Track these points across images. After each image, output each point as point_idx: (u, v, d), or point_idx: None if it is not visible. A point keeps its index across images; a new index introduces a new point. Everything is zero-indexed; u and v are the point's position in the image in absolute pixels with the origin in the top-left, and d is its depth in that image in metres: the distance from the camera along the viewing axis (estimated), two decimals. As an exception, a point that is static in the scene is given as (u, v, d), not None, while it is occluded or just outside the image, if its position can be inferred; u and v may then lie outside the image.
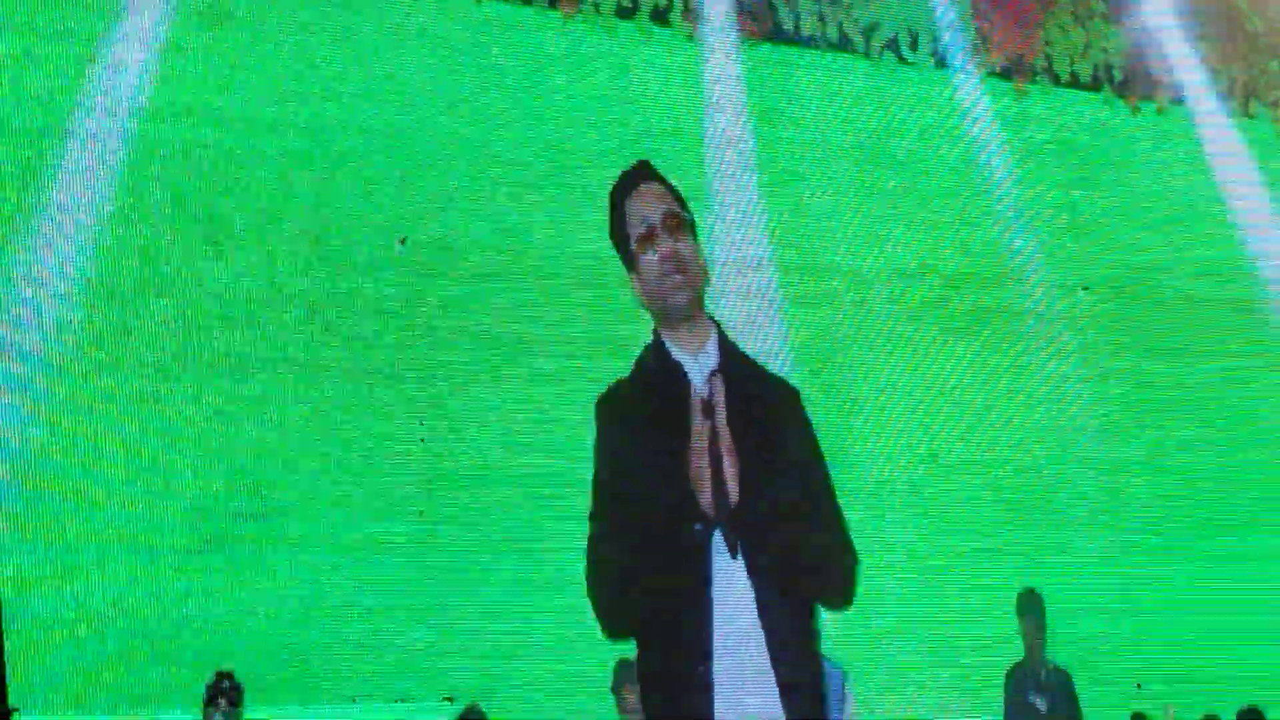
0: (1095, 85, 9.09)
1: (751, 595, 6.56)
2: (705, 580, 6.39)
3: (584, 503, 7.71)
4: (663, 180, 6.62)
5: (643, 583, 6.42)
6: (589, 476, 6.26)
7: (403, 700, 7.59)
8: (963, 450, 8.85)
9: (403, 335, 8.04)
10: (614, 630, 6.68)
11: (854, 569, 7.08)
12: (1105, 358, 9.25)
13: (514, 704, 7.67)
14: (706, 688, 6.23)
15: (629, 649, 7.06)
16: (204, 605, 7.34)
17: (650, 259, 5.93)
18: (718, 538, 6.32)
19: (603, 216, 7.08)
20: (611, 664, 7.70)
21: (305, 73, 7.99)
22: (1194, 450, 9.38)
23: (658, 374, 6.34)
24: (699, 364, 6.21)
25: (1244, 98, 9.47)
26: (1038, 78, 8.93)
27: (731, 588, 6.42)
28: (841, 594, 6.94)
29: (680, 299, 5.85)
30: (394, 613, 7.66)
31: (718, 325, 6.34)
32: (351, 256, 8.00)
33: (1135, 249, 9.30)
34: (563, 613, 7.73)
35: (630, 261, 5.78)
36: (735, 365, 6.43)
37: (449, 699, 7.58)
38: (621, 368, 6.07)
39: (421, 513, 7.89)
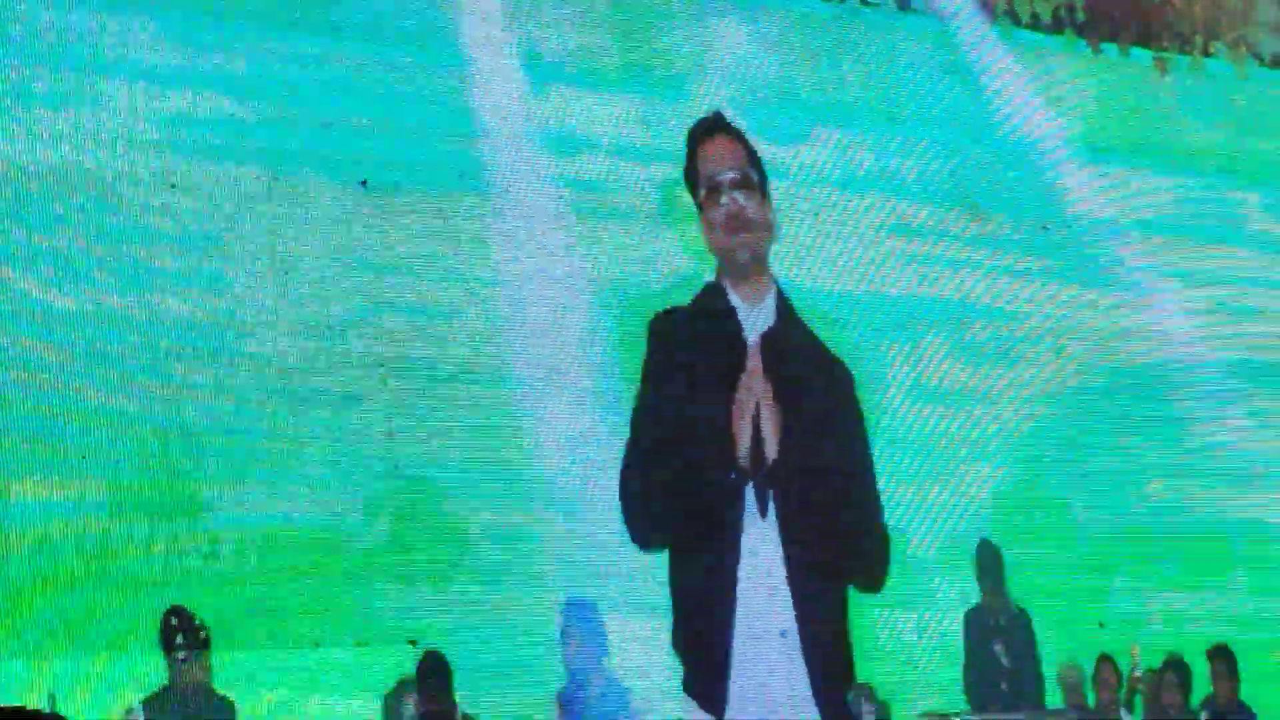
0: (1058, 27, 9.09)
1: (780, 552, 6.62)
2: (735, 529, 6.46)
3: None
4: (737, 134, 6.66)
5: (674, 510, 6.48)
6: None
7: (363, 644, 7.59)
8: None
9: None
10: (642, 545, 6.74)
11: (886, 555, 7.09)
12: (1061, 294, 9.29)
13: (476, 650, 7.67)
14: (725, 641, 6.30)
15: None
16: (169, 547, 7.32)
17: (716, 214, 6.02)
18: (749, 493, 6.40)
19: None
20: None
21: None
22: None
23: (713, 315, 6.41)
24: (755, 316, 6.28)
25: (1205, 38, 9.45)
26: (999, 20, 8.96)
27: (761, 542, 6.48)
28: (872, 576, 6.96)
29: (742, 256, 5.91)
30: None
31: (778, 286, 6.39)
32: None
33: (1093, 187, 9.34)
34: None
35: (699, 207, 5.86)
36: (792, 330, 6.50)
37: (412, 642, 7.57)
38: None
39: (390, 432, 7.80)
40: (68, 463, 7.16)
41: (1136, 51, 9.42)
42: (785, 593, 6.62)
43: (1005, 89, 9.18)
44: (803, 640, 6.69)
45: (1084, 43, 9.19)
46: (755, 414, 6.43)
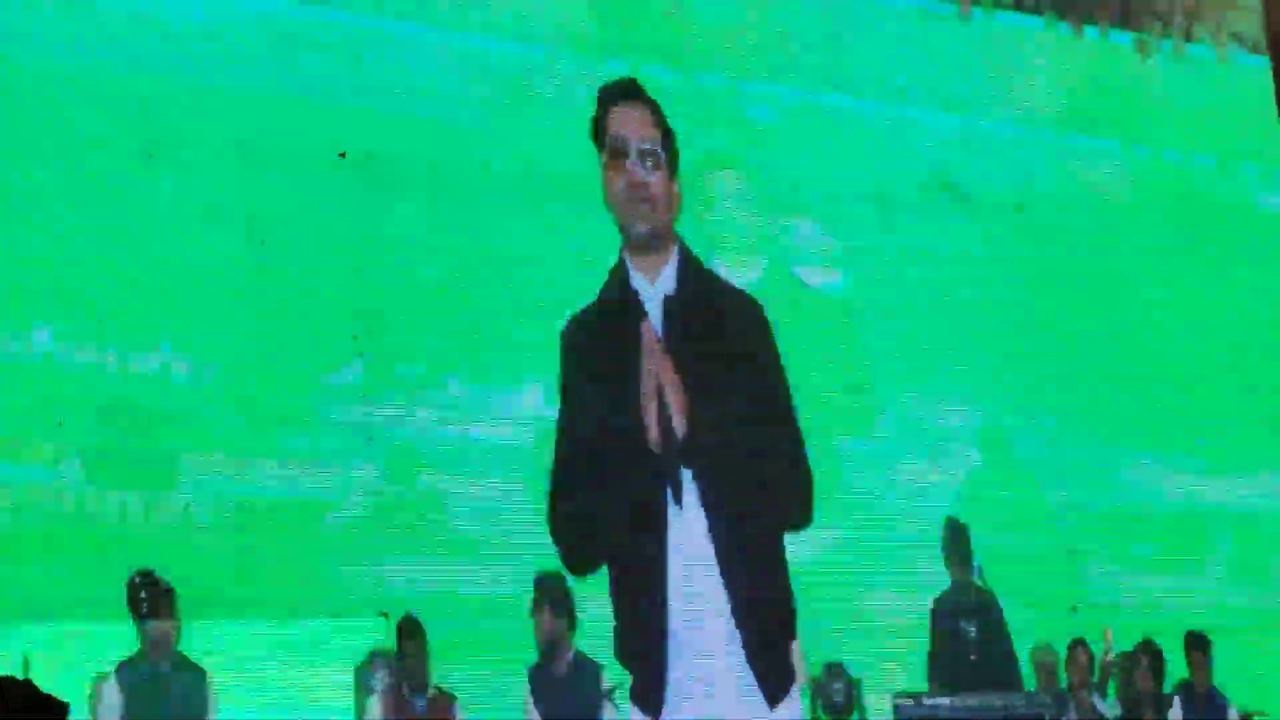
0: (1038, 9, 9.14)
1: (705, 526, 6.62)
2: (662, 527, 6.46)
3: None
4: (648, 103, 6.62)
5: (599, 525, 6.44)
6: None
7: (336, 616, 7.59)
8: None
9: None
10: (575, 572, 6.72)
11: (809, 488, 7.14)
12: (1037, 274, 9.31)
13: (448, 623, 7.69)
14: (662, 620, 6.29)
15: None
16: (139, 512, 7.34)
17: (618, 182, 5.96)
18: (667, 480, 6.40)
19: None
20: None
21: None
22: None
23: (616, 302, 6.39)
24: (655, 291, 6.26)
25: (1187, 21, 9.43)
26: (980, 1, 9.02)
27: (686, 532, 6.48)
28: (800, 516, 6.98)
29: (641, 229, 5.88)
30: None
31: (682, 245, 6.37)
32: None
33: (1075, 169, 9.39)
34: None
35: (605, 169, 5.79)
36: (694, 288, 6.47)
37: (384, 614, 7.61)
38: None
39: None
40: (43, 429, 7.18)
41: (1117, 34, 9.47)
42: (714, 568, 6.60)
43: (986, 70, 9.22)
44: (736, 614, 6.67)
45: (1065, 25, 9.20)
46: (659, 397, 6.43)
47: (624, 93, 6.18)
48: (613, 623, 6.86)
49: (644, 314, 6.08)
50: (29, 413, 7.17)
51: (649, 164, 5.89)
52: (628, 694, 7.24)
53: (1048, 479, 9.16)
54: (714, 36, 8.64)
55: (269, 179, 7.70)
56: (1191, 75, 9.67)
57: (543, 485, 7.65)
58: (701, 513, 6.20)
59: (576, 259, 7.93)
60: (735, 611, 6.37)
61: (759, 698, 6.55)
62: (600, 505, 6.25)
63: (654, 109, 6.33)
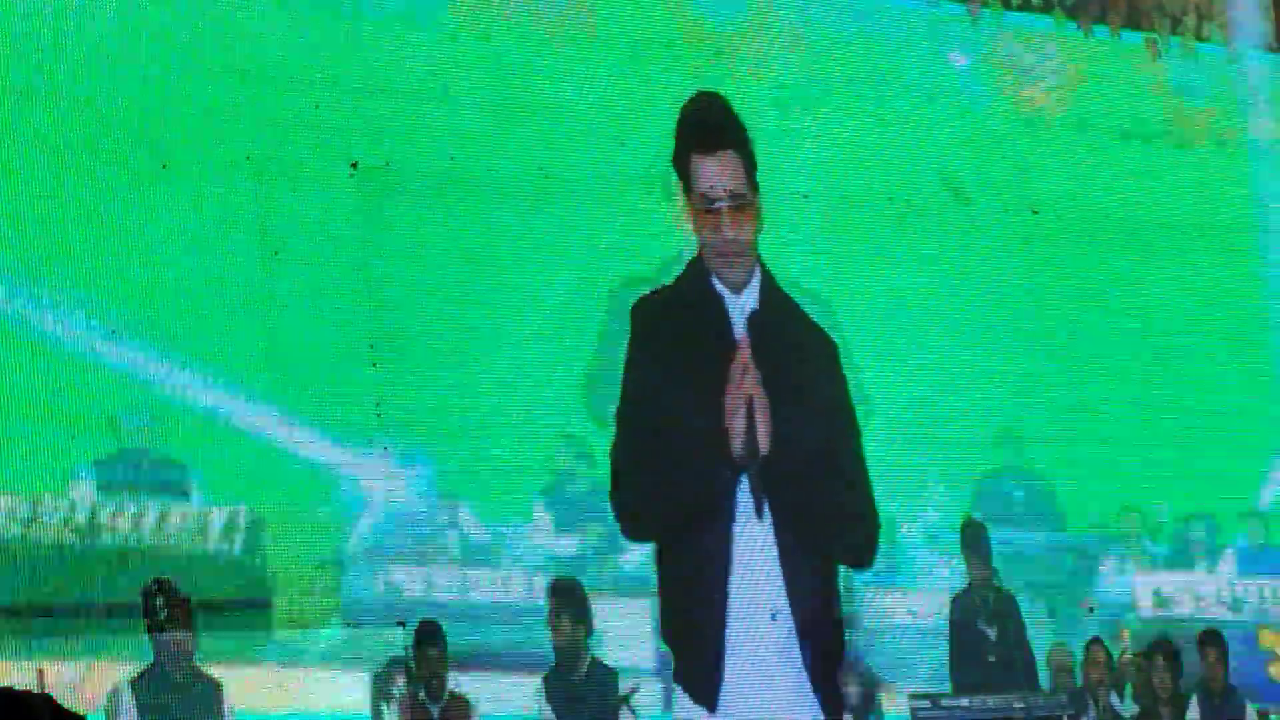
0: (1047, 8, 9.17)
1: (773, 540, 6.69)
2: (728, 521, 6.52)
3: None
4: (740, 143, 6.62)
5: (665, 503, 6.50)
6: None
7: (355, 625, 7.63)
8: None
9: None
10: (632, 537, 6.75)
11: (875, 534, 7.21)
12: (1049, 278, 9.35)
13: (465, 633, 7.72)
14: (719, 633, 6.33)
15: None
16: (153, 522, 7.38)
17: (710, 230, 5.97)
18: (745, 487, 6.46)
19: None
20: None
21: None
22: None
23: (697, 301, 6.41)
24: (740, 301, 6.32)
25: (1197, 20, 9.48)
26: (990, 3, 9.04)
27: (753, 532, 6.54)
28: (862, 557, 7.06)
29: (732, 272, 5.87)
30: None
31: (763, 265, 6.41)
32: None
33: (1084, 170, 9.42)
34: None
35: (687, 200, 5.72)
36: (778, 310, 6.53)
37: (401, 622, 7.63)
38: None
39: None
40: (57, 438, 7.20)
41: (1127, 33, 9.50)
42: (779, 578, 6.67)
43: (996, 70, 9.25)
44: (796, 623, 6.75)
45: (1074, 24, 9.27)
46: (748, 408, 6.50)
47: (709, 138, 6.17)
48: (660, 604, 6.91)
49: (730, 322, 6.20)
50: (43, 421, 7.18)
51: (739, 209, 5.96)
52: (673, 676, 7.35)
53: (1062, 479, 9.20)
54: (720, 38, 8.63)
55: (281, 189, 7.76)
56: (1202, 73, 9.74)
57: (557, 493, 7.84)
58: (771, 525, 6.33)
59: (585, 261, 8.03)
60: (802, 632, 6.51)
61: (814, 706, 6.73)
62: (665, 486, 6.37)
63: (740, 148, 6.36)
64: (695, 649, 7.41)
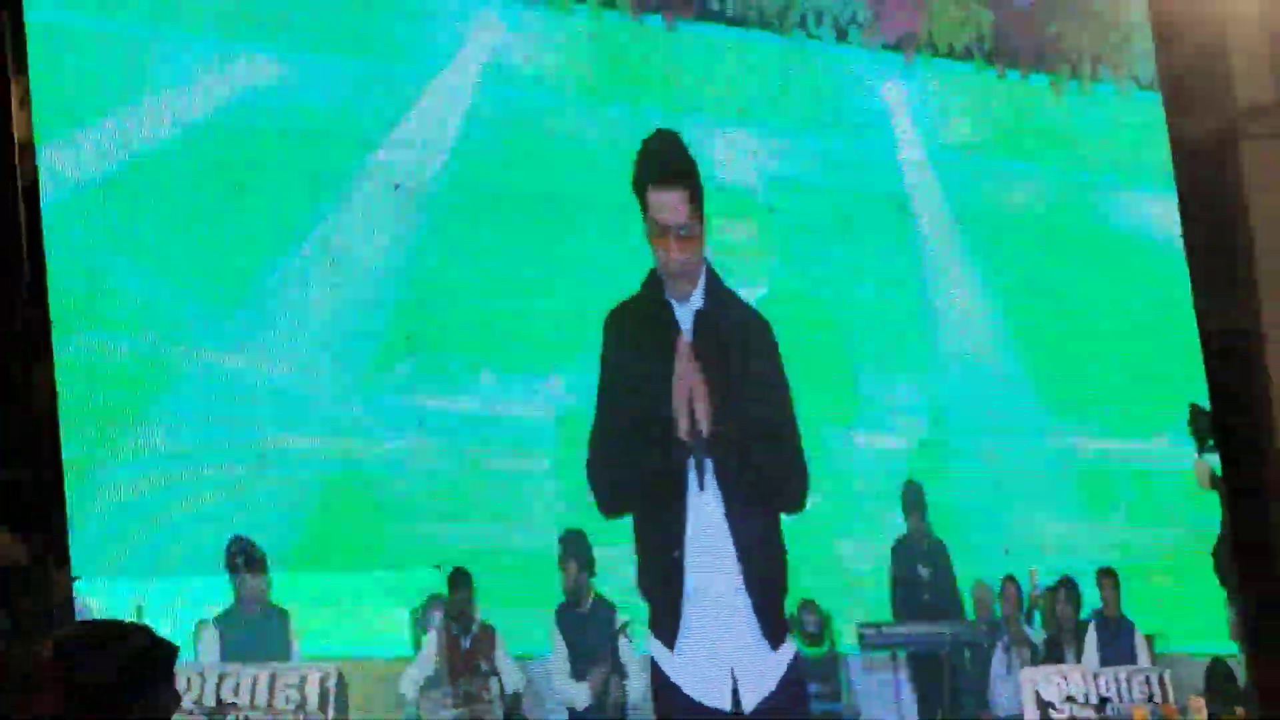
0: (969, 55, 9.23)
1: (720, 502, 7.04)
2: (682, 490, 6.86)
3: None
4: (688, 180, 6.88)
5: (629, 484, 6.78)
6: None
7: (399, 568, 7.67)
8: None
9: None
10: (606, 514, 7.07)
11: (806, 481, 7.55)
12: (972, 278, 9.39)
13: (490, 573, 7.82)
14: (679, 571, 6.64)
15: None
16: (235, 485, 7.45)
17: (662, 251, 6.28)
18: (690, 465, 6.81)
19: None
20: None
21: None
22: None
23: (652, 310, 6.74)
24: (687, 307, 6.65)
25: (1092, 65, 9.59)
26: (922, 49, 9.06)
27: (703, 498, 6.88)
28: (798, 502, 7.37)
29: (678, 286, 6.16)
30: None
31: (708, 267, 6.67)
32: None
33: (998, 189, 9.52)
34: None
35: (644, 221, 5.95)
36: (718, 304, 6.87)
37: (438, 566, 7.74)
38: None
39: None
40: (157, 415, 7.28)
41: (1035, 76, 9.57)
42: (727, 535, 6.99)
43: (923, 108, 9.27)
44: (742, 569, 7.08)
45: (992, 69, 9.33)
46: (689, 399, 6.83)
47: (662, 175, 6.34)
48: (635, 559, 7.01)
49: (678, 327, 6.39)
50: (144, 404, 7.24)
51: (685, 237, 6.17)
52: (645, 624, 7.50)
53: (985, 445, 9.24)
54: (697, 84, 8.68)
55: (338, 207, 7.78)
56: (1097, 109, 9.79)
57: (565, 458, 7.92)
58: (718, 491, 6.54)
59: (596, 271, 8.11)
60: (746, 577, 6.66)
61: (760, 639, 6.89)
62: (630, 468, 6.49)
63: (690, 183, 6.47)
64: (660, 599, 7.65)
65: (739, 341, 6.53)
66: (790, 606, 8.21)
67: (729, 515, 7.27)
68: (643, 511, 6.93)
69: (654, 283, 6.68)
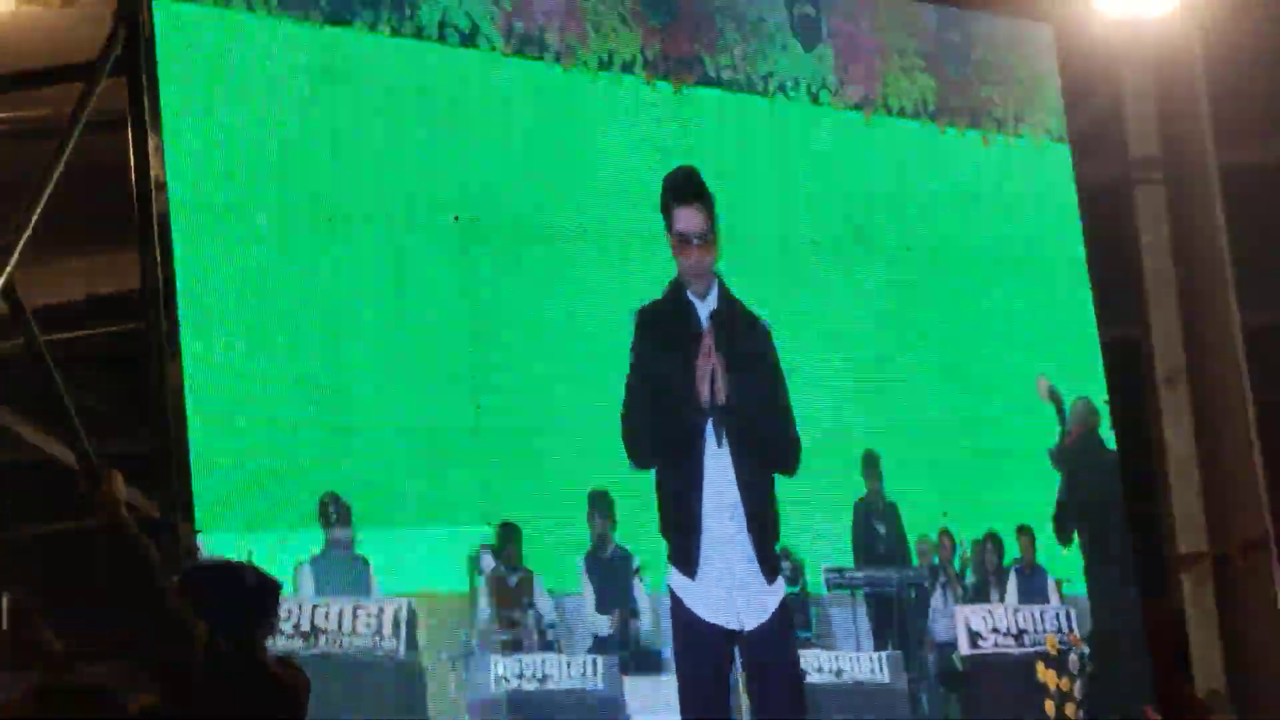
0: (916, 115, 9.22)
1: (730, 462, 7.22)
2: (700, 451, 7.02)
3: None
4: (704, 200, 7.10)
5: (656, 442, 6.93)
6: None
7: (457, 524, 7.67)
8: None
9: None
10: (636, 466, 7.22)
11: (799, 450, 7.69)
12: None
13: (530, 525, 7.76)
14: (698, 515, 6.78)
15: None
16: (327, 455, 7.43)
17: (684, 259, 6.46)
18: (710, 426, 6.97)
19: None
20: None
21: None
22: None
23: (676, 307, 6.92)
24: (704, 305, 6.83)
25: (1015, 121, 9.61)
26: (878, 110, 9.07)
27: (718, 458, 7.04)
28: (792, 467, 7.53)
29: (698, 286, 6.33)
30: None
31: (719, 277, 6.87)
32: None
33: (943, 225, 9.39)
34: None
35: (669, 236, 6.10)
36: (729, 307, 7.07)
37: (490, 523, 7.66)
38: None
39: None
40: (259, 410, 7.24)
41: (970, 132, 9.54)
42: (734, 488, 7.07)
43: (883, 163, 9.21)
44: (745, 517, 7.17)
45: (934, 126, 9.32)
46: (711, 375, 6.97)
47: (684, 195, 6.57)
48: (656, 507, 7.10)
49: (698, 317, 6.66)
50: (241, 402, 7.22)
51: (702, 245, 6.34)
52: (665, 559, 7.52)
53: (930, 428, 9.17)
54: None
55: (409, 240, 7.69)
56: (1019, 159, 9.73)
57: (598, 437, 7.88)
58: (728, 452, 6.70)
59: (630, 290, 8.08)
60: (748, 523, 6.83)
61: (759, 575, 7.04)
62: (657, 431, 6.63)
63: (706, 202, 6.69)
64: (681, 538, 7.76)
65: (747, 335, 6.72)
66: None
67: (737, 471, 7.52)
68: (664, 465, 7.05)
69: (676, 285, 6.84)
